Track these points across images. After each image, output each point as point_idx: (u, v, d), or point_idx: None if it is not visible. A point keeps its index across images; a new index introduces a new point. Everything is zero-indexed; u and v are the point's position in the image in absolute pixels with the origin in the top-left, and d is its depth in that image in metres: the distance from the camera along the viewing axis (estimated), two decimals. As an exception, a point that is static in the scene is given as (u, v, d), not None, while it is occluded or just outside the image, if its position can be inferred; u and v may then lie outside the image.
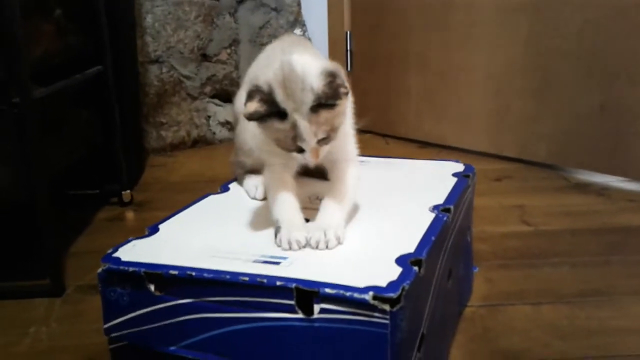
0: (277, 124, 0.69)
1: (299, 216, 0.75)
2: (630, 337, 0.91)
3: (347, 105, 0.73)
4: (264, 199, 0.87)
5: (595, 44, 1.59)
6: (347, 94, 0.69)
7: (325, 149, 0.71)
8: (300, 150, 0.71)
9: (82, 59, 1.42)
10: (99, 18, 1.45)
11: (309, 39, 2.22)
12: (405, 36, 2.04)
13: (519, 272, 1.13)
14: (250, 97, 0.69)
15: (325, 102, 0.67)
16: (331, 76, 0.68)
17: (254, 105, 0.68)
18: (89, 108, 1.51)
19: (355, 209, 0.80)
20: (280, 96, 0.68)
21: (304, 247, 0.70)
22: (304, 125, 0.68)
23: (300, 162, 0.74)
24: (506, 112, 1.82)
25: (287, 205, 0.75)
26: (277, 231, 0.72)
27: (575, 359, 0.86)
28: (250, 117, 0.69)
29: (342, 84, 0.68)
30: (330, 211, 0.74)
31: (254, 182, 0.91)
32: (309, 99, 0.67)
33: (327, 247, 0.69)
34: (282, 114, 0.68)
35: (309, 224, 0.74)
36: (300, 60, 0.70)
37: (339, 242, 0.70)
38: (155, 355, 0.69)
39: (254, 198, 0.90)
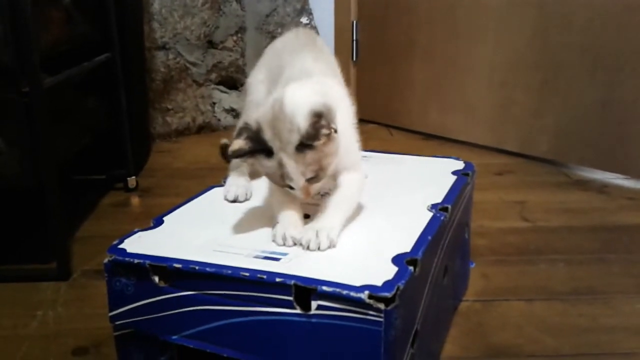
0: (265, 162, 0.70)
1: (297, 213, 0.76)
2: (621, 335, 0.93)
3: (337, 146, 0.71)
4: (233, 201, 0.88)
5: (600, 39, 1.59)
6: (328, 135, 0.67)
7: (316, 186, 0.72)
8: (291, 187, 0.72)
9: (91, 46, 1.43)
10: (107, 5, 1.46)
11: (318, 33, 2.22)
12: (411, 27, 2.04)
13: (515, 268, 1.15)
14: (238, 134, 0.70)
15: (306, 142, 0.67)
16: (317, 116, 0.67)
17: (239, 143, 0.69)
18: (96, 94, 1.53)
19: (357, 210, 0.80)
20: (268, 135, 0.69)
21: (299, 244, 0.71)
22: (291, 165, 0.69)
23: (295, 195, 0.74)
24: (510, 106, 1.83)
25: (287, 201, 0.76)
26: (274, 226, 0.74)
27: (566, 356, 0.89)
28: (234, 154, 0.69)
29: (326, 125, 0.67)
30: (329, 213, 0.74)
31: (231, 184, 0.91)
32: (294, 139, 0.67)
33: (318, 248, 0.70)
34: (269, 152, 0.69)
35: (306, 226, 0.74)
36: (292, 98, 0.69)
37: (331, 245, 0.70)
38: (157, 344, 0.72)
39: (226, 199, 0.89)
